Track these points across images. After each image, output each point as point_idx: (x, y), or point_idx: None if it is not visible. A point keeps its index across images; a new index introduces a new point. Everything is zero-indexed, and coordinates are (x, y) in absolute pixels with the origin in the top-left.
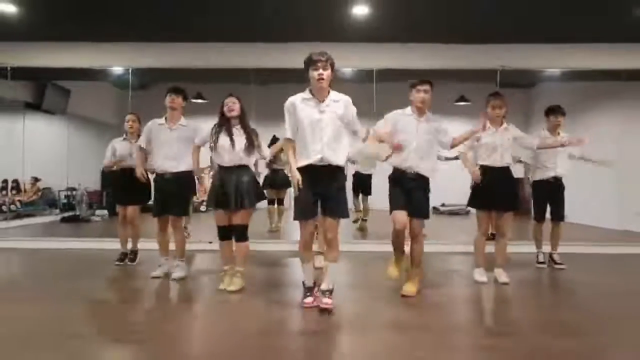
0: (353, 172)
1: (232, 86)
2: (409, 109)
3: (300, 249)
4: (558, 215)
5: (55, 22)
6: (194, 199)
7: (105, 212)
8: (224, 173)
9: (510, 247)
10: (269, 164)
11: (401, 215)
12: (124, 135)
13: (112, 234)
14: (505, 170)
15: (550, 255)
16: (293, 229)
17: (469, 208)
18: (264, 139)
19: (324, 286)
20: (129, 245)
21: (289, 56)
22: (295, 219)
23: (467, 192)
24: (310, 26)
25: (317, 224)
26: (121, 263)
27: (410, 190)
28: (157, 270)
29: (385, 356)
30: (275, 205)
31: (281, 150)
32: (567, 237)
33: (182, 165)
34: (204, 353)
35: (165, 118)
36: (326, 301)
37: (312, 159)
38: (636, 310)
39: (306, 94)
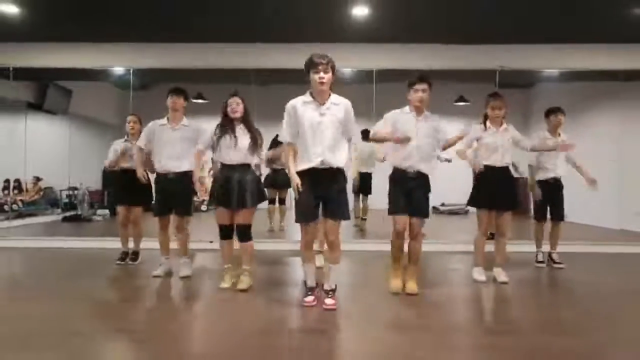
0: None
1: (233, 86)
2: (407, 108)
3: (302, 248)
4: (558, 215)
5: (56, 22)
6: (194, 198)
7: (107, 211)
8: (226, 172)
9: (509, 246)
10: (269, 163)
11: (401, 218)
12: (125, 137)
13: (114, 233)
14: (506, 170)
15: (549, 254)
16: (293, 228)
17: (469, 208)
18: (264, 139)
19: (326, 286)
20: (130, 245)
21: (289, 56)
22: (297, 221)
23: (467, 191)
24: (310, 27)
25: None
26: (122, 262)
27: (410, 190)
28: (158, 270)
29: (386, 355)
30: (277, 205)
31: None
32: (566, 236)
33: (185, 165)
34: (205, 352)
35: (167, 118)
36: (329, 301)
37: (314, 162)
38: (635, 309)
39: (307, 97)
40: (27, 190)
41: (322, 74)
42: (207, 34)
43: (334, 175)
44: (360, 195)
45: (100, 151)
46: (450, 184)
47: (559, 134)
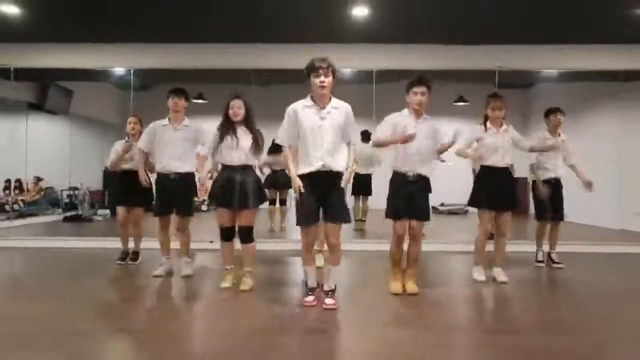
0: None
1: (233, 87)
2: (405, 111)
3: (303, 250)
4: (558, 215)
5: (57, 23)
6: (195, 198)
7: (107, 211)
8: (228, 172)
9: (509, 246)
10: (266, 167)
11: (401, 224)
12: (126, 138)
13: (114, 233)
14: (506, 170)
15: (549, 254)
16: (294, 228)
17: (468, 208)
18: (264, 139)
19: (326, 287)
20: (131, 245)
21: (289, 57)
22: (298, 224)
23: (466, 191)
24: (310, 27)
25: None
26: (122, 262)
27: (411, 194)
28: (159, 269)
29: (386, 354)
30: (278, 206)
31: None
32: (566, 236)
33: (186, 165)
34: (205, 351)
35: (169, 119)
36: (329, 301)
37: (314, 166)
38: (635, 309)
39: (307, 101)
40: (28, 190)
41: (322, 78)
42: (207, 34)
43: (334, 179)
44: (361, 197)
45: (101, 151)
46: (450, 184)
47: (559, 134)
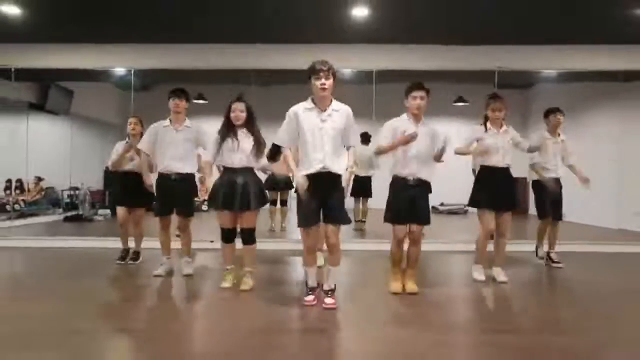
0: (353, 177)
1: (233, 87)
2: (404, 116)
3: (305, 252)
4: (557, 215)
5: (58, 23)
6: (195, 199)
7: (108, 211)
8: (229, 175)
9: (508, 246)
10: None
11: (401, 229)
12: (127, 139)
13: (115, 233)
14: (506, 170)
15: (548, 254)
16: (294, 228)
17: (468, 208)
18: (265, 140)
19: (326, 286)
20: (131, 245)
21: (289, 57)
22: (299, 225)
23: (466, 191)
24: (310, 27)
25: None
26: (122, 262)
27: (412, 198)
28: (159, 269)
29: (386, 354)
30: (279, 206)
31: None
32: (565, 236)
33: (187, 166)
34: (206, 351)
35: (170, 120)
36: (329, 301)
37: (314, 168)
38: (634, 308)
39: (308, 104)
40: (29, 190)
41: (323, 81)
42: (207, 34)
43: (334, 180)
44: (360, 198)
45: (101, 152)
46: (450, 184)
47: (559, 134)
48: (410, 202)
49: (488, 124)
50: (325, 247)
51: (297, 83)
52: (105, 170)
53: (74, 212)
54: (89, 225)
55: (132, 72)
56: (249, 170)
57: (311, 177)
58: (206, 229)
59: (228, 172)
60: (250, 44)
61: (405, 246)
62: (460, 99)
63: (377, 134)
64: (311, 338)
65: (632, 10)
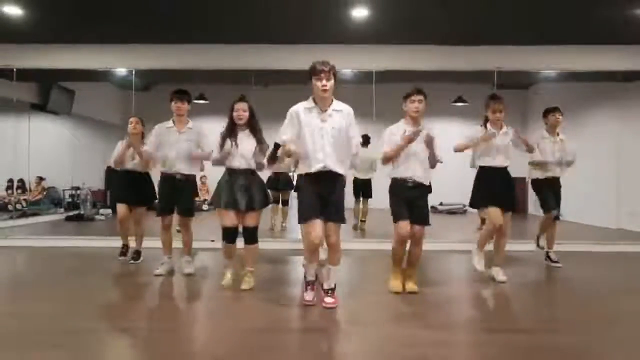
0: (352, 179)
1: (234, 87)
2: (402, 121)
3: (306, 252)
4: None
5: (59, 24)
6: (195, 198)
7: (109, 211)
8: (232, 176)
9: (507, 245)
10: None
11: (406, 225)
12: (126, 138)
13: (116, 232)
14: (505, 171)
15: (547, 253)
16: (294, 227)
17: (467, 207)
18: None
19: (326, 285)
20: (132, 244)
21: (289, 58)
22: (299, 222)
23: (465, 191)
24: (310, 28)
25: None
26: (124, 257)
27: (411, 200)
28: (160, 268)
29: (386, 352)
30: (280, 206)
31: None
32: (564, 235)
33: (190, 167)
34: (206, 350)
35: (173, 121)
36: (329, 300)
37: (314, 167)
38: (632, 308)
39: (309, 103)
40: (30, 190)
41: (324, 82)
42: (208, 35)
43: (334, 179)
44: (361, 198)
45: (102, 151)
46: (449, 184)
47: (558, 134)
48: (409, 204)
49: (488, 125)
50: (325, 245)
51: (297, 83)
52: (107, 170)
53: (75, 212)
54: (91, 224)
55: (133, 72)
56: (250, 172)
57: (311, 175)
58: (207, 228)
59: (231, 173)
60: (251, 44)
61: (407, 246)
62: (460, 99)
63: (377, 135)
64: (311, 338)
65: (631, 11)
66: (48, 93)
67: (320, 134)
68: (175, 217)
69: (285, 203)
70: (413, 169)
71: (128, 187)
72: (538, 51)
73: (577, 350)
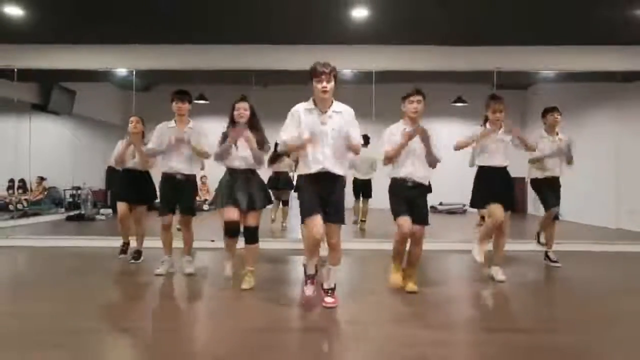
0: (352, 179)
1: (234, 88)
2: (401, 122)
3: (306, 251)
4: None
5: (60, 24)
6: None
7: (110, 210)
8: (232, 176)
9: (506, 245)
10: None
11: (407, 221)
12: (126, 137)
13: (116, 232)
14: (505, 170)
15: (546, 253)
16: (294, 227)
17: (467, 207)
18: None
19: (326, 285)
20: (133, 244)
21: (289, 58)
22: (302, 220)
23: (464, 190)
24: (310, 28)
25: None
26: (124, 255)
27: (411, 199)
28: (160, 268)
29: (386, 352)
30: (280, 206)
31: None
32: (563, 235)
33: (191, 167)
34: (206, 350)
35: (175, 121)
36: (329, 300)
37: (313, 169)
38: (631, 308)
39: (309, 104)
40: (31, 190)
41: (324, 83)
42: (208, 35)
43: (333, 180)
44: (361, 198)
45: (103, 151)
46: (448, 183)
47: (557, 133)
48: (409, 203)
49: (488, 125)
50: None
51: (298, 84)
52: (107, 170)
53: (76, 212)
54: (91, 224)
55: (134, 72)
56: (251, 172)
57: (311, 176)
58: (207, 228)
59: (231, 173)
60: (251, 44)
61: (407, 245)
62: (459, 100)
63: (376, 136)
64: (311, 338)
65: (631, 11)
66: (49, 93)
67: (320, 135)
68: (176, 216)
69: (285, 203)
70: (413, 169)
71: (128, 186)
72: (538, 51)
73: (576, 350)
